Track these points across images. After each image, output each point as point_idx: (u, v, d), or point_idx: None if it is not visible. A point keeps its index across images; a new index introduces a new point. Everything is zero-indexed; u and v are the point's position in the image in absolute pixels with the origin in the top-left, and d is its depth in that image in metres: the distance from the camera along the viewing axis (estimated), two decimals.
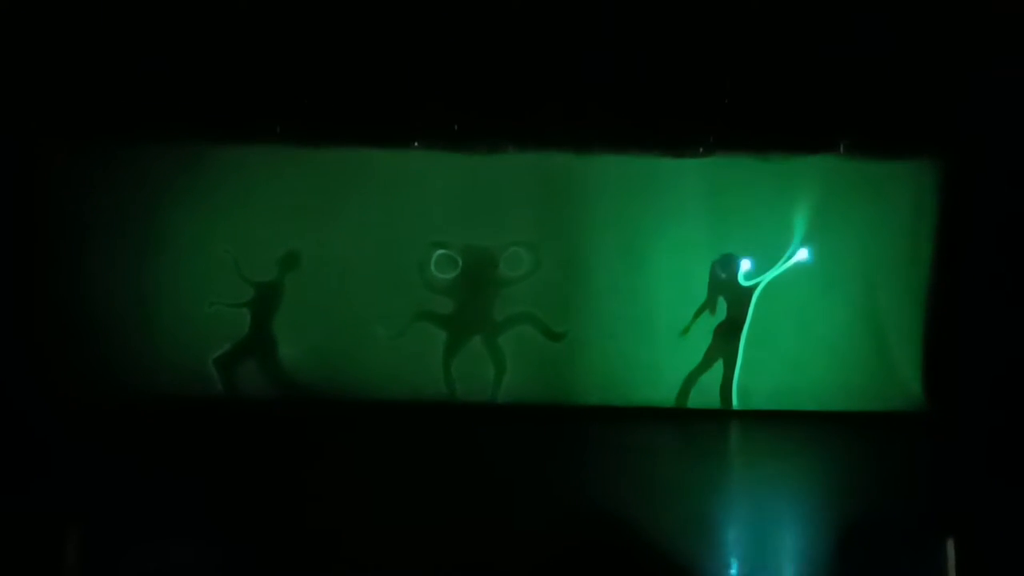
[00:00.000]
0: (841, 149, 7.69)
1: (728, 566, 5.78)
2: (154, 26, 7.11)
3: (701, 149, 7.74)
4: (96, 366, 7.73)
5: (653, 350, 8.04)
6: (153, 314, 7.84)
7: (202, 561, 5.20)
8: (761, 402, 8.02)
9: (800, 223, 7.90)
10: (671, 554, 5.94)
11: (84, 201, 7.71)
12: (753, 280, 8.00)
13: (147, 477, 6.19)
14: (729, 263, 7.99)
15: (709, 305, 8.04)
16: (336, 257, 7.92)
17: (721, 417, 8.04)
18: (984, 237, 7.44)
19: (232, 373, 7.98)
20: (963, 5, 7.01)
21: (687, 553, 5.93)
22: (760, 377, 8.03)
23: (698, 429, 7.93)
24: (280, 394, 7.99)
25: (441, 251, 8.03)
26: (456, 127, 7.64)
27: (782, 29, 7.16)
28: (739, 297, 8.03)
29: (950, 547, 4.37)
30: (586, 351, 8.07)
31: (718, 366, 8.07)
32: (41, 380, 7.53)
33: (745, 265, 7.93)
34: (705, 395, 8.05)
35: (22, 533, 5.21)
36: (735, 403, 8.06)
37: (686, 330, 8.04)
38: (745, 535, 6.29)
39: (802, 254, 7.93)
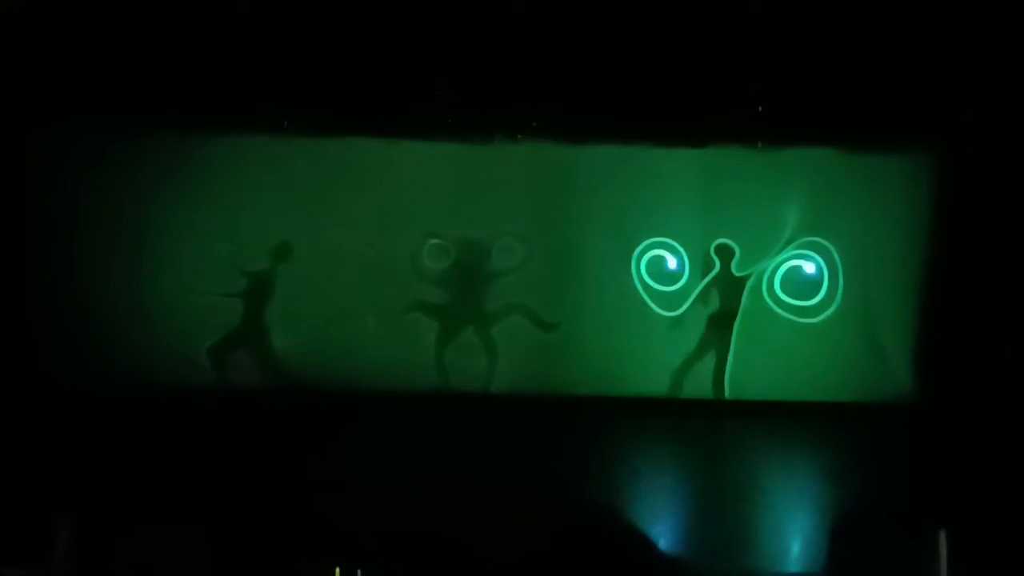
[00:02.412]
0: (835, 142, 7.69)
1: (720, 555, 5.81)
2: (148, 17, 7.07)
3: (694, 140, 7.73)
4: (89, 355, 7.73)
5: (646, 341, 8.05)
6: (146, 304, 7.81)
7: (194, 550, 5.21)
8: (753, 392, 8.04)
9: (793, 215, 7.91)
10: (662, 544, 5.96)
11: (76, 191, 7.68)
12: (746, 271, 8.02)
13: (139, 466, 6.19)
14: (722, 253, 8.00)
15: (702, 296, 8.05)
16: (328, 247, 7.90)
17: (713, 407, 8.06)
18: (977, 230, 7.46)
19: (225, 363, 7.97)
20: None
21: (679, 543, 5.95)
22: (752, 368, 8.05)
23: (690, 419, 7.95)
24: (272, 384, 7.99)
25: (434, 241, 8.01)
26: (449, 118, 7.61)
27: (778, 22, 7.15)
28: (732, 288, 8.04)
29: (942, 538, 4.39)
30: (579, 342, 8.07)
31: (711, 357, 8.09)
32: (33, 370, 7.53)
33: None
34: (698, 386, 8.06)
35: (14, 522, 5.21)
36: (727, 393, 8.07)
37: (679, 321, 8.05)
38: (736, 525, 6.31)
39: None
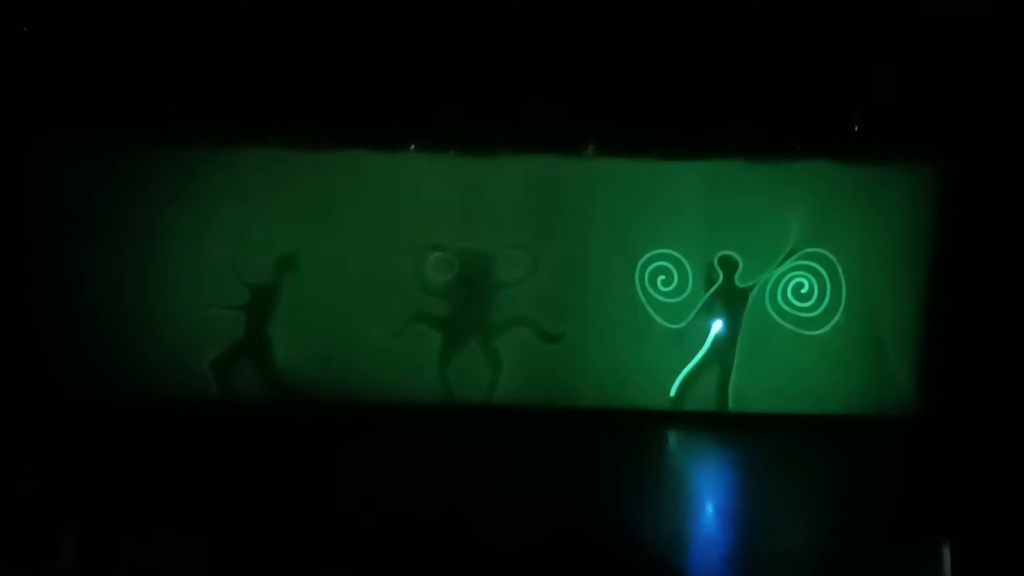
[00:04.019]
0: (837, 154, 7.72)
1: (724, 566, 5.78)
2: (152, 28, 7.11)
3: (698, 153, 7.75)
4: (93, 367, 7.73)
5: (649, 352, 8.05)
6: (150, 316, 7.81)
7: (195, 561, 5.20)
8: (757, 404, 8.03)
9: (796, 227, 7.93)
10: (666, 555, 5.93)
11: (81, 203, 7.70)
12: (749, 282, 8.02)
13: (142, 478, 6.19)
14: (725, 265, 8.01)
15: (705, 308, 8.06)
16: (332, 260, 7.92)
17: (717, 419, 8.05)
18: (979, 241, 7.47)
19: (228, 375, 7.96)
20: (958, 8, 7.04)
21: (682, 555, 5.93)
22: (756, 379, 8.04)
23: (694, 431, 7.94)
24: (276, 396, 7.98)
25: (437, 254, 8.02)
26: (453, 130, 7.63)
27: (780, 35, 7.17)
28: (735, 299, 8.05)
29: (947, 550, 4.39)
30: (582, 353, 8.06)
31: (714, 368, 8.08)
32: (38, 381, 7.54)
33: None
34: (702, 397, 8.06)
35: (17, 532, 5.20)
36: (731, 405, 8.06)
37: (682, 333, 8.05)
38: (741, 537, 6.29)
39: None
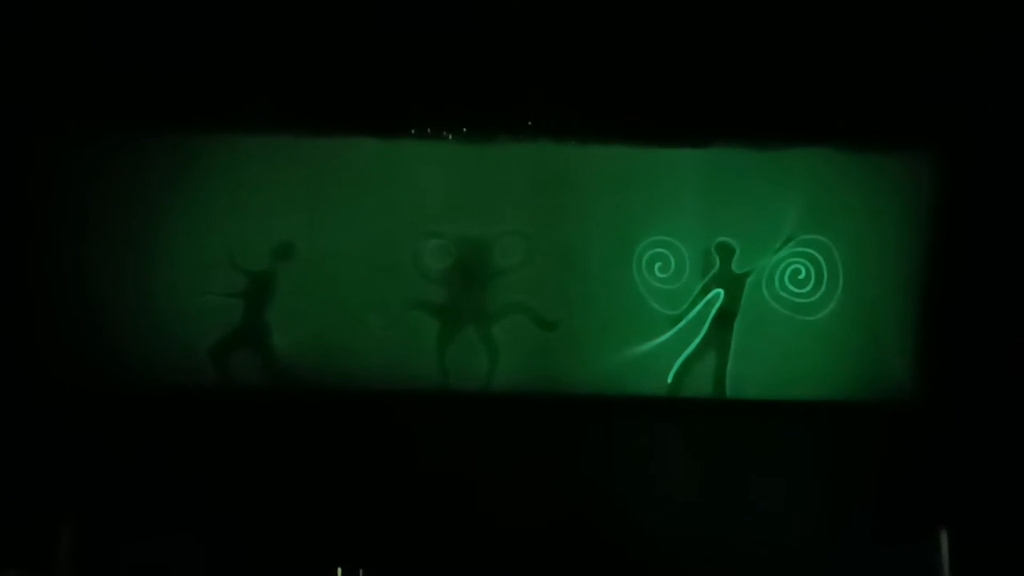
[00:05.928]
0: (836, 141, 7.72)
1: (720, 553, 5.82)
2: (146, 17, 7.09)
3: (696, 140, 7.75)
4: (89, 356, 7.70)
5: (646, 339, 8.06)
6: (146, 304, 7.79)
7: (195, 552, 5.23)
8: (754, 391, 8.03)
9: (794, 213, 7.93)
10: (664, 541, 5.98)
11: (76, 192, 7.68)
12: (746, 268, 8.03)
13: (140, 467, 6.21)
14: (723, 251, 8.02)
15: (702, 294, 8.07)
16: (329, 247, 7.89)
17: (714, 406, 8.07)
18: (979, 228, 7.49)
19: (226, 363, 7.94)
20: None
21: (679, 542, 5.97)
22: (753, 365, 8.05)
23: (691, 418, 7.96)
24: (273, 383, 7.97)
25: (434, 241, 8.02)
26: (450, 116, 7.62)
27: (779, 20, 7.17)
28: (732, 286, 8.06)
29: (943, 537, 4.40)
30: (579, 340, 8.07)
31: (711, 355, 8.09)
32: (33, 370, 7.53)
33: None
34: (698, 384, 8.07)
35: (16, 525, 5.22)
36: (728, 392, 8.07)
37: (679, 319, 8.07)
38: (737, 525, 6.32)
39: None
